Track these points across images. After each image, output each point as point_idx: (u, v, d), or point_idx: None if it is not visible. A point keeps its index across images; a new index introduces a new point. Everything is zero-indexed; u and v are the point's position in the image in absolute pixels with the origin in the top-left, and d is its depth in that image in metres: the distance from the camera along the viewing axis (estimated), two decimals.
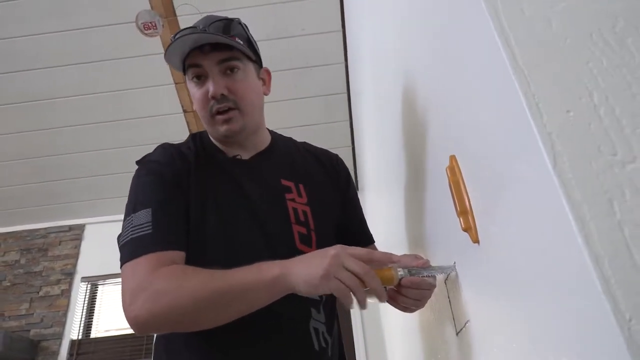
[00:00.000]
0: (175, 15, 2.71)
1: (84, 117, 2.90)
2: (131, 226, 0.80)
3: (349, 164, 3.31)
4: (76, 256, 3.36)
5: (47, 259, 3.37)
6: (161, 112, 2.96)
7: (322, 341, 0.88)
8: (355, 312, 2.98)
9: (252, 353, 0.83)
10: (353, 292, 0.67)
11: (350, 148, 3.17)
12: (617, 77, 0.45)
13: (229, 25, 0.92)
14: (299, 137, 3.26)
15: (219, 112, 0.90)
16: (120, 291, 0.75)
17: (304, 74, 2.76)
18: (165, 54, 0.90)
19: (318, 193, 0.97)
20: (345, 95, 2.89)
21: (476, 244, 0.64)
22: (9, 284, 3.30)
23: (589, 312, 0.36)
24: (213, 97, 0.89)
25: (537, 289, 0.47)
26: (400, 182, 1.29)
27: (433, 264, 0.85)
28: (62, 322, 3.12)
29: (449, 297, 0.85)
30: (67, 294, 3.22)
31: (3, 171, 3.15)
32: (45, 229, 3.50)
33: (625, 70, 0.45)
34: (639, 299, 0.34)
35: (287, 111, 2.92)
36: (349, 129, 3.07)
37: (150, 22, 2.65)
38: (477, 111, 0.59)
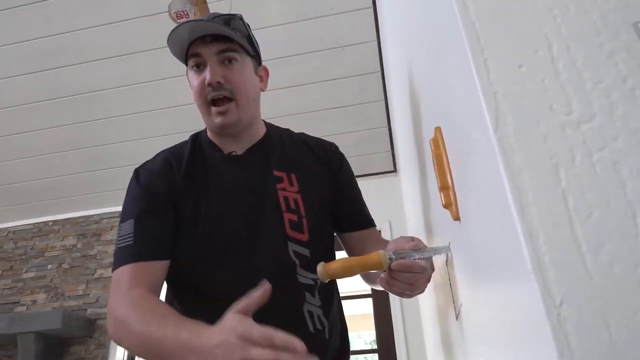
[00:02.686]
0: (205, 2, 2.72)
1: (128, 108, 3.01)
2: (119, 236, 0.86)
3: (385, 145, 3.23)
4: None
5: (100, 243, 3.56)
6: None
7: (317, 324, 0.87)
8: (394, 295, 2.94)
9: None
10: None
11: (387, 128, 3.08)
12: (584, 25, 0.38)
13: (229, 20, 0.94)
14: (332, 120, 3.20)
15: (214, 103, 0.91)
16: None
17: (335, 55, 2.70)
18: (167, 41, 0.91)
19: (309, 181, 0.97)
20: (379, 74, 2.80)
21: (457, 222, 0.59)
22: (67, 266, 3.52)
23: (520, 294, 0.32)
24: (209, 84, 0.90)
25: (496, 270, 0.42)
26: (414, 161, 1.23)
27: (434, 245, 0.80)
28: None
29: (449, 280, 0.80)
30: None
31: (57, 162, 3.34)
32: (98, 215, 3.70)
33: (595, 15, 0.39)
34: (576, 281, 0.29)
35: (318, 94, 2.88)
36: (384, 109, 2.98)
37: (182, 11, 2.68)
38: (447, 78, 0.54)
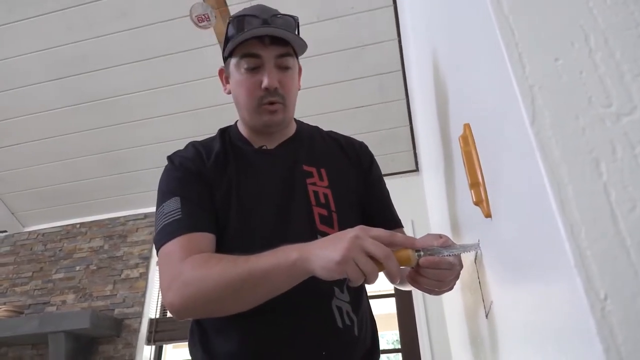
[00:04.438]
0: (226, 5, 2.75)
1: (149, 111, 3.06)
2: (162, 214, 0.85)
3: (407, 144, 3.21)
4: (151, 242, 3.59)
5: (126, 244, 3.63)
6: (218, 102, 3.04)
7: (346, 319, 0.87)
8: (417, 294, 2.92)
9: (274, 330, 0.84)
10: (367, 277, 0.64)
11: (408, 127, 3.06)
12: (622, 16, 0.38)
13: (292, 24, 0.93)
14: (353, 120, 3.19)
15: (269, 103, 0.91)
16: None
17: (356, 54, 2.70)
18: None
19: (339, 177, 0.97)
20: (400, 73, 2.79)
21: (489, 219, 0.58)
22: (95, 267, 3.59)
23: (561, 290, 0.31)
24: (267, 89, 0.90)
25: (532, 266, 0.42)
26: (439, 159, 1.23)
27: (461, 243, 0.79)
28: (141, 302, 3.35)
29: (478, 278, 0.79)
30: (144, 276, 3.45)
31: (83, 166, 3.42)
32: (124, 217, 3.76)
33: (634, 6, 0.38)
34: (621, 275, 0.29)
35: (340, 93, 2.88)
36: (405, 108, 2.96)
37: (204, 15, 2.71)
38: (478, 74, 0.53)
